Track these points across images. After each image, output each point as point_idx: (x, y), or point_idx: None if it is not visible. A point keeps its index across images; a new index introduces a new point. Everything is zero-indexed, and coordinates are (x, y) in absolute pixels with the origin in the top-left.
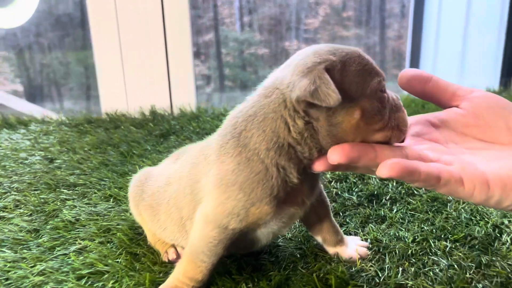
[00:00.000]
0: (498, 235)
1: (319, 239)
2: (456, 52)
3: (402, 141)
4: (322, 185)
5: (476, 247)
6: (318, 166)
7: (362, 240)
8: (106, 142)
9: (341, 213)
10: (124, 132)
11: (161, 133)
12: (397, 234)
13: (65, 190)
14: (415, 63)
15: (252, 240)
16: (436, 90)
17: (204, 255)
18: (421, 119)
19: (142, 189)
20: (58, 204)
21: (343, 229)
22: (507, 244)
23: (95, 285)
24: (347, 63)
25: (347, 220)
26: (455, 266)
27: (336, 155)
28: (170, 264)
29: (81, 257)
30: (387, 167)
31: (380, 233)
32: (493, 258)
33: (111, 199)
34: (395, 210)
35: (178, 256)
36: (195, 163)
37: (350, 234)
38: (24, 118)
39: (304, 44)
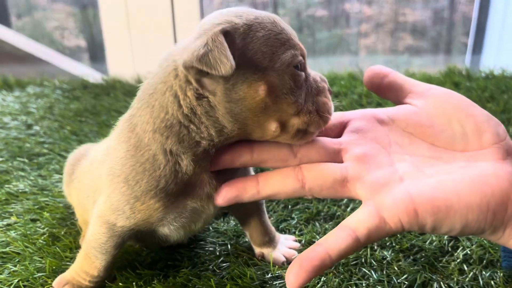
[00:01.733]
0: (451, 249)
1: (247, 234)
2: None
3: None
4: (253, 174)
5: (421, 260)
6: (213, 168)
7: (296, 240)
8: (89, 110)
9: (289, 207)
10: (111, 100)
11: None
12: None
13: (26, 160)
14: (481, 30)
15: (159, 237)
16: (392, 86)
17: (95, 251)
18: (367, 114)
19: (73, 169)
20: (14, 174)
21: (283, 225)
22: (457, 261)
23: (3, 266)
24: (254, 27)
25: (293, 215)
26: (385, 281)
27: (217, 198)
28: None
29: (3, 235)
30: (292, 276)
31: (321, 234)
32: (433, 276)
33: None
34: (350, 208)
35: None
36: (108, 144)
37: (289, 232)
38: (24, 79)
39: (366, 6)
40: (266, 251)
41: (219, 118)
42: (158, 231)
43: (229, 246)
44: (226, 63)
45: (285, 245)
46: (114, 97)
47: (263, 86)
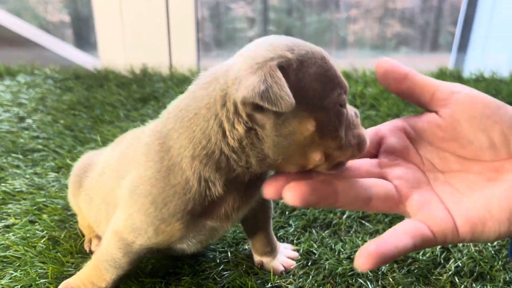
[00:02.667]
0: (444, 260)
1: (250, 243)
2: None
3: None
4: None
5: (415, 272)
6: (269, 193)
7: (294, 250)
8: (83, 103)
9: (287, 213)
10: (105, 93)
11: (142, 97)
12: (333, 247)
13: (21, 156)
14: (469, 19)
15: (176, 250)
16: (413, 91)
17: (108, 265)
18: (396, 127)
19: (80, 181)
20: (9, 171)
21: (281, 232)
22: (449, 273)
23: (4, 271)
24: (306, 63)
25: (290, 221)
26: None
27: (291, 196)
28: (85, 257)
29: (2, 237)
30: (363, 258)
31: (318, 242)
32: None
33: (61, 171)
34: (345, 216)
35: None
36: (125, 154)
37: (287, 240)
38: (15, 67)
39: None
40: (266, 260)
41: (265, 149)
42: (175, 246)
43: (229, 254)
44: (287, 99)
45: (284, 254)
46: (107, 89)
47: (313, 122)
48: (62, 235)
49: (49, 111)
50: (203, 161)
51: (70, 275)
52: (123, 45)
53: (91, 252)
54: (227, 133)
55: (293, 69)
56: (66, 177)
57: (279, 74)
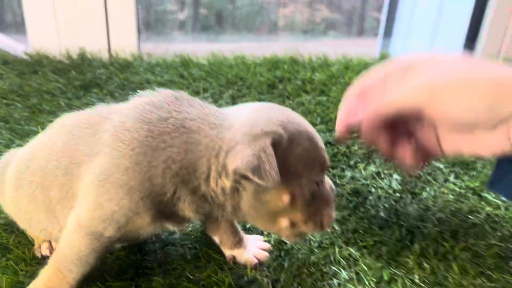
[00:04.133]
0: (409, 243)
1: (216, 239)
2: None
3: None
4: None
5: (384, 256)
6: None
7: (265, 241)
8: (16, 91)
9: None
10: (40, 80)
11: (83, 84)
12: None
13: None
14: (393, 6)
15: (132, 237)
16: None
17: (72, 264)
18: None
19: (3, 178)
20: None
21: (250, 224)
22: (416, 255)
23: None
24: (295, 143)
25: None
26: (354, 279)
27: None
28: (41, 263)
29: None
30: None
31: None
32: (396, 272)
33: None
34: None
35: (52, 252)
36: (75, 136)
37: (256, 231)
38: None
39: None
40: (237, 253)
41: (240, 203)
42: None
43: (199, 249)
44: (275, 177)
45: (256, 246)
46: (42, 76)
47: (288, 195)
48: (11, 241)
49: None
50: (183, 181)
51: (27, 284)
52: (55, 27)
53: (44, 258)
54: (211, 178)
55: (282, 148)
56: None
57: (271, 151)
